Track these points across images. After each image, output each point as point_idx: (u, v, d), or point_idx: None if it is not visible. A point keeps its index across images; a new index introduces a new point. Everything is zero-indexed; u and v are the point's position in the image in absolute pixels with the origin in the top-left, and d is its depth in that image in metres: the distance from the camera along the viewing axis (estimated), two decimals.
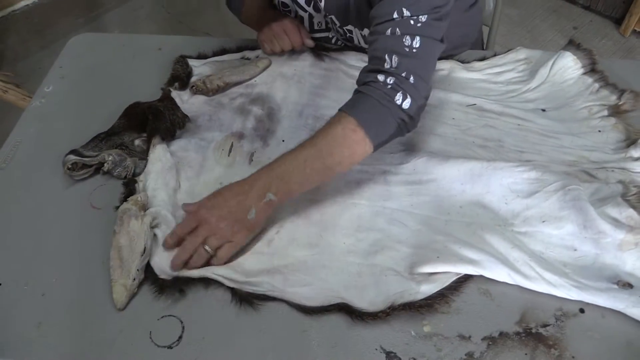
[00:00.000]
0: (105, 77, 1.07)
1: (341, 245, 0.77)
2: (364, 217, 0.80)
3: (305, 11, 1.05)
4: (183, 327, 0.69)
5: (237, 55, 1.08)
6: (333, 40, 1.11)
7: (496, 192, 0.80)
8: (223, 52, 1.10)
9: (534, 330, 0.68)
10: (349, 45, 1.09)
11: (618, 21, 2.41)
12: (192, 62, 1.06)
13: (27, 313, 0.71)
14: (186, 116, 0.93)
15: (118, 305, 0.69)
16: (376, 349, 0.67)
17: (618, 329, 0.68)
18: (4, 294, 0.73)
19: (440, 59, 1.03)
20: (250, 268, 0.74)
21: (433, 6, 0.78)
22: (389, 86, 0.76)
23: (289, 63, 1.06)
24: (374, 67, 0.79)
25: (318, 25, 1.07)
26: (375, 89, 0.77)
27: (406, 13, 0.78)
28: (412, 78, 0.76)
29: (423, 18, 0.78)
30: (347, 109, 0.77)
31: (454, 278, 0.72)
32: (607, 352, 0.66)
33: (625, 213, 0.75)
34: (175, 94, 0.98)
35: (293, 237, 0.78)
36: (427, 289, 0.71)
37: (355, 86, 0.81)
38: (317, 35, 1.11)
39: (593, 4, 2.49)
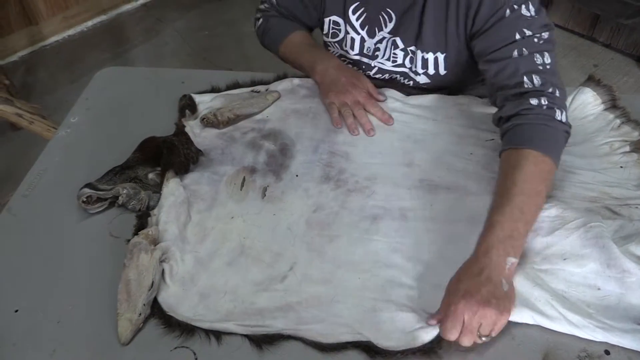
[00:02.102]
0: (129, 109, 1.09)
1: (356, 281, 0.75)
2: (381, 253, 0.79)
3: (358, 34, 1.04)
4: (196, 359, 0.68)
5: (248, 89, 1.09)
6: (373, 72, 1.09)
7: None
8: (236, 86, 1.11)
9: None
10: (384, 79, 1.09)
11: (639, 59, 2.40)
12: (202, 97, 1.07)
13: (43, 340, 0.71)
14: (200, 151, 0.94)
15: (122, 339, 0.69)
16: None
17: None
18: (20, 320, 0.73)
19: (457, 93, 1.04)
20: (263, 306, 0.73)
21: (544, 24, 0.84)
22: (545, 107, 0.80)
23: (304, 101, 1.07)
24: (515, 92, 0.82)
25: (367, 50, 1.06)
26: (536, 115, 0.80)
27: (528, 32, 0.82)
28: (557, 92, 0.81)
29: (545, 35, 0.83)
30: (525, 145, 0.78)
31: None
32: None
33: None
34: (188, 129, 0.99)
35: (306, 273, 0.77)
36: None
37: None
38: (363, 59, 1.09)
39: (614, 42, 2.49)
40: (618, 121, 0.97)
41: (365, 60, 1.08)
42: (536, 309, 0.69)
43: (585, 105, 0.99)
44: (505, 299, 0.67)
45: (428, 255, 0.78)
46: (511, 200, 0.73)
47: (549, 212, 0.78)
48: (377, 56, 1.05)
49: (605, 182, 0.87)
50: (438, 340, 0.68)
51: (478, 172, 0.90)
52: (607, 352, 0.67)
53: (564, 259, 0.74)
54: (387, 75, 1.08)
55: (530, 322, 0.69)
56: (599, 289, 0.72)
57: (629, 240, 0.75)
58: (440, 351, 0.68)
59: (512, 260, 0.70)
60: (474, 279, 0.68)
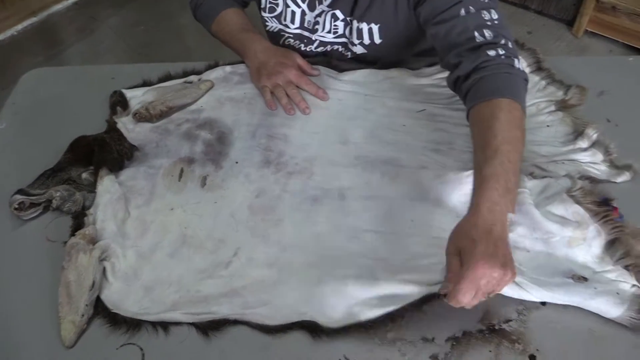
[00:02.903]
0: (59, 110, 1.06)
1: (301, 261, 0.76)
2: (323, 234, 0.79)
3: (299, 7, 1.03)
4: (143, 355, 0.67)
5: (180, 80, 1.07)
6: (315, 45, 1.08)
7: (446, 205, 0.81)
8: (168, 77, 1.09)
9: (497, 327, 0.68)
10: (323, 53, 1.09)
11: (570, 23, 2.48)
12: (134, 92, 1.04)
13: None
14: (133, 146, 0.92)
15: (66, 342, 0.68)
16: None
17: (579, 318, 0.69)
18: None
19: (390, 66, 1.05)
20: (208, 293, 0.73)
21: None
22: (503, 56, 0.80)
23: (237, 87, 1.05)
24: (469, 46, 0.82)
25: (307, 23, 1.05)
26: (497, 65, 0.79)
27: None
28: (509, 43, 0.82)
29: None
30: (494, 95, 0.76)
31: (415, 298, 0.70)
32: (570, 341, 0.67)
33: (571, 209, 0.76)
34: (121, 125, 0.97)
35: (251, 257, 0.77)
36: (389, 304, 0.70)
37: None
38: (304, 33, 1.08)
39: (545, 8, 2.56)
40: (543, 82, 1.01)
41: (306, 33, 1.07)
42: None
43: None
44: (512, 257, 0.65)
45: (366, 234, 0.79)
46: (498, 152, 0.70)
47: None
48: (317, 30, 1.05)
49: (533, 142, 0.90)
50: (383, 319, 0.69)
51: (410, 144, 0.91)
52: (543, 303, 0.70)
53: None
54: (328, 47, 1.08)
55: None
56: (528, 251, 0.75)
57: (552, 200, 0.78)
58: (385, 321, 0.69)
59: (511, 216, 0.67)
60: (489, 240, 0.63)
